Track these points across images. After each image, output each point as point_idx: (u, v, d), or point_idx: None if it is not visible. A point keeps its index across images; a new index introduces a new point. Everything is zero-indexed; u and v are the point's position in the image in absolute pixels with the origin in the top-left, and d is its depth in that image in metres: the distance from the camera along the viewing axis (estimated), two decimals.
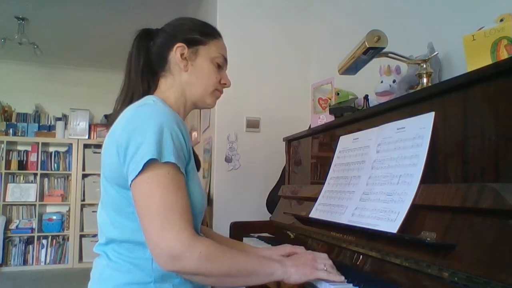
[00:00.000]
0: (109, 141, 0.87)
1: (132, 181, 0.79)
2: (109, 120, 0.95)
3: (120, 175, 0.83)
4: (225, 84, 1.04)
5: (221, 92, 1.04)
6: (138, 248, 0.85)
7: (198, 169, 0.98)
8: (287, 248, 1.10)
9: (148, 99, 0.90)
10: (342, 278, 0.88)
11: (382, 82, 1.37)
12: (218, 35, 1.03)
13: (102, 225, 0.91)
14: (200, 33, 0.99)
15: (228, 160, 2.34)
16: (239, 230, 1.70)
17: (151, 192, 0.78)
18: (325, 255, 0.96)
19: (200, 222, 0.96)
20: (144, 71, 0.98)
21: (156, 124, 0.80)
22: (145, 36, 1.01)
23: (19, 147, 4.72)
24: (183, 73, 0.98)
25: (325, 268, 0.89)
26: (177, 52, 0.96)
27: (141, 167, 0.77)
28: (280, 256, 1.07)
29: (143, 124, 0.81)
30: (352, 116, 1.36)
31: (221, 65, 1.02)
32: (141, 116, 0.83)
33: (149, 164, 0.77)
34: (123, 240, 0.87)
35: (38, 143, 4.64)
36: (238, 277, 0.83)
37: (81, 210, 4.71)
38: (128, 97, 0.95)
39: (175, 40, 0.97)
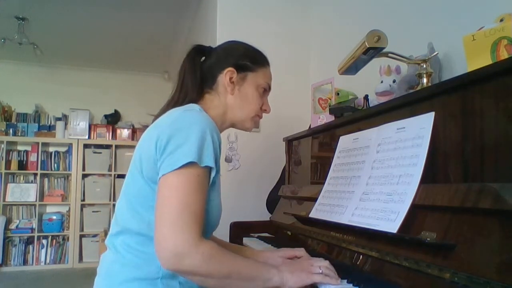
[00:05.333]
0: (150, 132, 0.90)
1: (163, 175, 0.82)
2: (155, 116, 1.01)
3: (153, 168, 0.86)
4: (266, 110, 1.11)
5: (261, 117, 1.11)
6: (150, 242, 0.85)
7: None
8: (287, 251, 1.11)
9: (194, 106, 0.96)
10: (338, 280, 0.89)
11: (382, 82, 1.37)
12: (267, 63, 1.10)
13: (119, 214, 0.93)
14: (250, 60, 1.05)
15: (228, 160, 2.34)
16: (239, 230, 1.70)
17: (176, 188, 0.81)
18: (321, 259, 0.97)
19: (210, 235, 0.98)
20: (198, 85, 1.03)
21: (200, 130, 0.84)
22: (199, 52, 1.07)
23: (19, 147, 4.72)
24: (229, 96, 1.03)
25: (320, 271, 0.90)
26: (226, 75, 1.02)
27: (178, 166, 0.80)
28: (280, 258, 1.09)
29: (188, 127, 0.85)
30: (352, 116, 1.36)
31: (264, 92, 1.08)
32: (187, 119, 0.87)
33: (186, 164, 0.81)
34: (137, 231, 0.88)
35: (38, 143, 4.64)
36: (236, 280, 0.84)
37: (81, 210, 4.71)
38: (179, 100, 1.00)
39: (226, 63, 1.03)
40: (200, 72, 1.04)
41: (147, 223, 0.87)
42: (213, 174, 0.87)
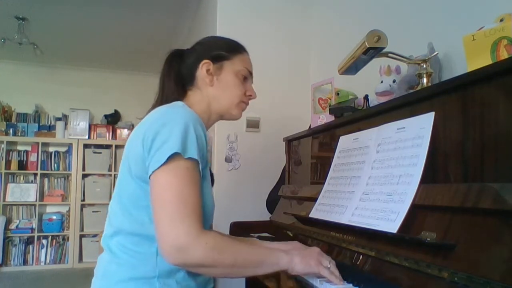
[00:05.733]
0: (137, 132, 0.90)
1: (152, 172, 0.82)
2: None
3: (142, 167, 0.86)
4: (251, 95, 1.09)
5: (247, 103, 1.10)
6: (144, 242, 0.86)
7: (212, 185, 1.02)
8: (297, 244, 1.11)
9: (177, 102, 0.97)
10: (341, 282, 0.89)
11: (382, 82, 1.37)
12: (243, 50, 1.09)
13: (112, 216, 0.93)
14: (225, 49, 1.06)
15: (228, 160, 2.34)
16: (239, 230, 1.70)
17: (168, 183, 0.81)
18: (330, 258, 0.96)
19: (207, 228, 0.97)
20: (178, 86, 1.05)
21: (183, 123, 0.84)
22: (176, 56, 1.08)
23: (19, 147, 4.72)
24: (209, 88, 1.04)
25: (329, 267, 0.91)
26: (203, 68, 1.03)
27: (164, 160, 0.80)
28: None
29: (171, 122, 0.85)
30: (352, 116, 1.36)
31: (246, 78, 1.07)
32: (170, 115, 0.88)
33: (172, 158, 0.81)
34: (130, 231, 0.88)
35: (38, 143, 4.64)
36: (244, 267, 0.85)
37: (81, 210, 4.71)
38: (163, 103, 1.00)
39: (202, 57, 1.04)
40: (179, 73, 1.06)
41: (140, 223, 0.87)
42: (201, 166, 0.87)
